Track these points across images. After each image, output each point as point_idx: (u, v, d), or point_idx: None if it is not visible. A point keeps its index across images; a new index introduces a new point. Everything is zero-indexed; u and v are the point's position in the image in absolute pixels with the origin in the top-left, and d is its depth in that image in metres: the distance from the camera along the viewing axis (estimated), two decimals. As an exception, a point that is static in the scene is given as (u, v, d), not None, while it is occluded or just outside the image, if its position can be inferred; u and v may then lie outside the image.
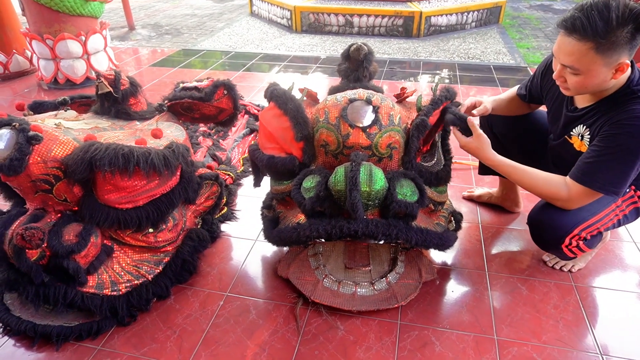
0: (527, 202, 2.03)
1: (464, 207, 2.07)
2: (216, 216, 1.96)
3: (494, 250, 1.81)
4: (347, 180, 1.31)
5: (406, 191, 1.38)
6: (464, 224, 1.88)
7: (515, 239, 1.87)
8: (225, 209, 2.03)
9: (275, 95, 1.57)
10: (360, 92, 1.49)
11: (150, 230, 1.55)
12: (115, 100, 1.68)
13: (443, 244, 1.49)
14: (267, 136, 1.63)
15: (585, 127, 1.38)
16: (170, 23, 6.08)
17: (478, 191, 2.12)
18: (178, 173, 1.52)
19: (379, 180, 1.34)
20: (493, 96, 1.75)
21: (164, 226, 1.58)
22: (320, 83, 3.77)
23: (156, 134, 1.50)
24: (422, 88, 3.61)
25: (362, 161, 1.35)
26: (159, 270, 1.59)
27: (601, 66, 1.20)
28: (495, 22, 5.52)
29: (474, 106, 1.61)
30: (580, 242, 1.43)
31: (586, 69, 1.21)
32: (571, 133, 1.45)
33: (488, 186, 2.19)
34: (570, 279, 1.64)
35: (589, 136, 1.37)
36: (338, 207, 1.38)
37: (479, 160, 2.00)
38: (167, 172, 1.43)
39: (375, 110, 1.43)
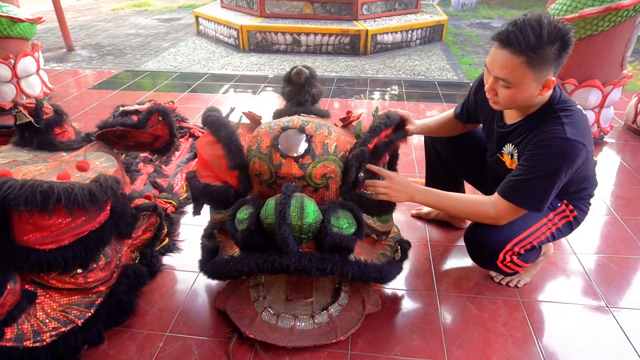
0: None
1: (412, 225, 2.07)
2: (156, 249, 1.85)
3: (443, 269, 1.80)
4: (276, 213, 1.26)
5: (342, 223, 1.34)
6: (413, 243, 1.87)
7: (463, 256, 1.88)
8: (167, 240, 1.92)
9: (209, 121, 1.50)
10: (295, 120, 1.45)
11: (79, 270, 1.42)
12: (37, 130, 1.55)
13: (383, 278, 1.45)
14: (203, 164, 1.55)
15: (513, 146, 1.43)
16: (112, 43, 5.87)
17: (426, 209, 2.12)
18: (108, 208, 1.42)
19: (311, 213, 1.29)
20: (429, 118, 1.78)
21: (94, 265, 1.45)
22: (269, 102, 3.72)
23: (82, 167, 1.39)
24: (373, 106, 3.64)
25: (294, 193, 1.30)
26: (90, 314, 1.46)
27: (531, 81, 1.24)
28: (438, 39, 5.71)
29: (404, 119, 1.61)
30: (515, 257, 1.46)
31: (518, 83, 1.24)
32: (502, 151, 1.49)
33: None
34: (517, 295, 1.66)
35: (517, 154, 1.42)
36: (271, 240, 1.33)
37: (425, 177, 2.04)
38: (94, 207, 1.33)
39: (309, 139, 1.39)
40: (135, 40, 6.02)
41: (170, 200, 2.11)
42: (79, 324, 1.41)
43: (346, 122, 1.71)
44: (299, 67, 1.67)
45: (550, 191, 1.31)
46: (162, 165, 2.50)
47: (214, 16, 5.66)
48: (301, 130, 1.41)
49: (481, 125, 1.66)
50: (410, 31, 5.35)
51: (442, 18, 5.68)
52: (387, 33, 5.17)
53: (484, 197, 1.44)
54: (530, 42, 1.16)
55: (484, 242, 1.45)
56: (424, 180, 2.10)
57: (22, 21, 3.17)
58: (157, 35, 6.30)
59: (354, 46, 5.07)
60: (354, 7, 5.14)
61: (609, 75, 2.66)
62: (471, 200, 1.45)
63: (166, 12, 8.16)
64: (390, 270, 1.49)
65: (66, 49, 5.38)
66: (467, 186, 2.00)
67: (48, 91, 3.62)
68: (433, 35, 5.62)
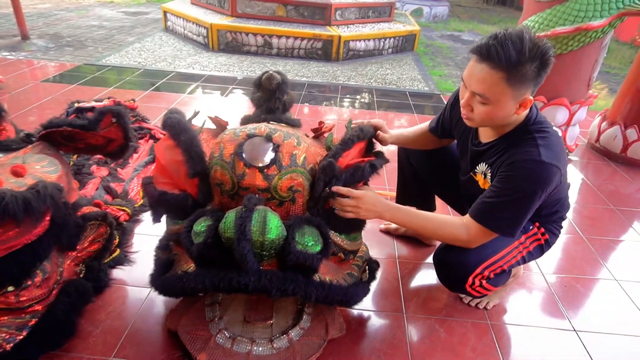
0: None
1: (380, 241, 1.99)
2: (105, 261, 1.69)
3: (412, 288, 1.73)
4: (236, 227, 1.16)
5: (307, 240, 1.25)
6: (379, 258, 1.79)
7: (433, 274, 1.80)
8: (118, 251, 1.77)
9: (168, 124, 1.37)
10: (262, 127, 1.35)
11: (10, 288, 1.27)
12: (-32, 127, 1.38)
13: (349, 301, 1.37)
14: (160, 170, 1.43)
15: (487, 165, 1.38)
16: (73, 34, 5.57)
17: (395, 224, 2.06)
18: (47, 218, 1.27)
19: (274, 228, 1.19)
20: (402, 129, 1.72)
21: (29, 282, 1.30)
22: (237, 106, 3.59)
23: (17, 171, 1.23)
24: (343, 113, 3.57)
25: (256, 206, 1.20)
26: (22, 337, 1.30)
27: (509, 98, 1.18)
28: (410, 49, 5.72)
29: (378, 128, 1.54)
30: (484, 282, 1.41)
31: (495, 100, 1.19)
32: (476, 170, 1.44)
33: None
34: (486, 317, 1.61)
35: (490, 175, 1.36)
36: (229, 255, 1.22)
37: (396, 190, 1.98)
38: (28, 219, 1.18)
39: (276, 148, 1.29)
40: (98, 33, 5.74)
41: (124, 208, 1.96)
42: (7, 348, 1.25)
43: (318, 133, 1.62)
44: (270, 72, 1.57)
45: (525, 216, 1.26)
46: (118, 168, 2.33)
47: (183, 12, 5.46)
48: (268, 138, 1.31)
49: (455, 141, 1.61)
50: (382, 39, 5.34)
51: (415, 28, 5.70)
52: (359, 40, 5.13)
53: (456, 218, 1.38)
54: (511, 57, 1.11)
55: (454, 265, 1.39)
56: (394, 194, 2.04)
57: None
58: (122, 29, 6.03)
59: (326, 51, 5.00)
60: (327, 12, 5.08)
61: (576, 94, 2.69)
62: (443, 221, 1.38)
63: (133, 5, 7.86)
64: (356, 292, 1.40)
65: (20, 37, 5.05)
66: (439, 201, 1.95)
67: (-3, 82, 3.35)
68: (405, 44, 5.64)
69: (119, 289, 1.63)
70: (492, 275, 1.39)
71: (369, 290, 1.52)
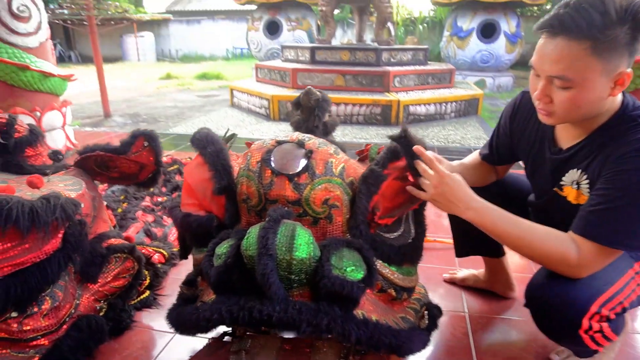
0: (522, 285, 1.64)
1: (445, 292, 1.67)
2: (132, 302, 1.54)
3: (486, 346, 1.38)
4: (259, 241, 0.96)
5: (346, 265, 1.01)
6: (447, 313, 1.47)
7: (512, 331, 1.45)
8: (147, 292, 1.61)
9: (196, 137, 1.27)
10: (294, 135, 1.20)
11: (14, 314, 1.13)
12: (4, 148, 1.36)
13: (401, 346, 1.05)
14: (187, 190, 1.30)
15: (579, 171, 1.07)
16: (149, 113, 6.04)
17: (462, 273, 1.73)
18: (59, 235, 1.15)
19: (304, 245, 0.98)
20: (453, 162, 1.45)
21: (35, 309, 1.16)
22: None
23: (33, 182, 1.16)
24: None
25: (284, 218, 1.00)
26: (21, 375, 1.13)
27: (599, 74, 0.92)
28: (474, 113, 5.53)
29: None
30: (604, 325, 1.01)
31: (581, 78, 0.93)
32: (562, 183, 1.13)
33: (474, 267, 1.81)
34: (590, 387, 1.20)
35: (587, 182, 1.05)
36: (251, 280, 1.01)
37: (453, 239, 1.64)
38: (36, 231, 1.06)
39: (309, 154, 1.11)
40: (171, 111, 6.19)
41: (160, 250, 1.83)
42: (1, 385, 1.08)
43: (363, 156, 1.44)
44: (310, 87, 1.45)
45: None
46: (164, 216, 2.27)
47: (247, 88, 5.78)
48: (300, 144, 1.14)
49: (514, 168, 1.32)
50: (444, 104, 5.22)
51: (478, 92, 5.55)
52: (419, 104, 5.05)
53: (562, 233, 1.02)
54: (594, 21, 0.88)
55: (563, 302, 1.00)
56: (450, 241, 1.72)
57: (53, 76, 3.22)
58: (193, 107, 6.47)
59: (385, 116, 4.95)
60: (386, 80, 5.11)
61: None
62: (546, 232, 1.03)
63: (207, 89, 8.54)
64: (411, 338, 1.10)
65: (103, 116, 5.56)
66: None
67: (71, 146, 3.58)
68: (468, 109, 5.46)
69: (141, 331, 1.45)
70: (612, 316, 1.01)
71: (428, 340, 1.21)
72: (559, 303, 1.00)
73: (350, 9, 13.58)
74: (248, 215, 1.18)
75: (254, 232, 1.02)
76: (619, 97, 1.02)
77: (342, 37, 13.24)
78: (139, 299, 1.57)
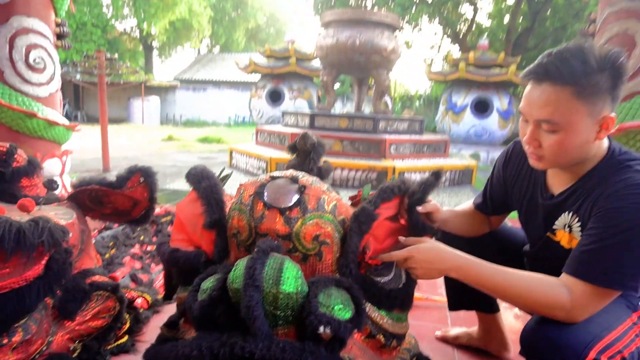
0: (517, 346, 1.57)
1: (436, 349, 1.60)
2: (109, 346, 1.46)
3: (480, 408, 1.30)
4: (245, 273, 0.94)
5: (334, 303, 0.98)
6: (437, 370, 1.40)
7: (508, 392, 1.38)
8: (126, 337, 1.54)
9: (191, 173, 1.29)
10: (288, 172, 1.21)
11: (-18, 344, 1.08)
12: (1, 176, 1.37)
13: None
14: (178, 226, 1.29)
15: (571, 213, 1.08)
16: (148, 169, 6.11)
17: (454, 331, 1.68)
18: (43, 262, 1.13)
19: (292, 279, 0.96)
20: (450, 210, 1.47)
21: (5, 340, 1.10)
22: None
23: (24, 205, 1.15)
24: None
25: (273, 251, 1.00)
26: (-20, 413, 1.05)
27: (584, 118, 0.97)
28: (468, 182, 5.62)
29: (430, 212, 1.31)
30: None
31: (567, 122, 0.97)
32: (554, 228, 1.13)
33: (467, 326, 1.75)
34: None
35: (579, 225, 1.06)
36: (235, 315, 0.97)
37: (446, 295, 1.59)
38: (19, 253, 1.04)
39: (302, 189, 1.12)
40: (170, 170, 6.26)
41: (144, 294, 1.77)
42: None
43: (356, 201, 1.46)
44: (306, 132, 1.49)
45: None
46: (152, 264, 2.22)
47: (247, 150, 5.90)
48: (294, 180, 1.16)
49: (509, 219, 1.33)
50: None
51: (472, 163, 5.68)
52: (415, 172, 5.13)
53: (553, 277, 1.01)
54: (575, 69, 0.94)
55: (556, 347, 0.95)
56: (444, 299, 1.67)
57: (58, 125, 3.30)
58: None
59: (380, 181, 4.99)
60: (382, 147, 5.24)
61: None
62: (535, 279, 1.02)
63: (208, 152, 8.70)
64: (400, 386, 1.05)
65: (102, 170, 5.61)
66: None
67: (66, 194, 3.58)
68: (462, 178, 5.55)
69: (114, 377, 1.36)
70: None
71: (417, 391, 1.14)
72: (554, 349, 0.95)
73: (350, 83, 14.29)
74: (237, 250, 1.17)
75: (241, 264, 1.00)
76: (605, 143, 1.06)
77: (342, 109, 13.77)
78: (116, 343, 1.50)
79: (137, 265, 2.15)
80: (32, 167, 1.44)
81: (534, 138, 1.04)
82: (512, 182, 1.30)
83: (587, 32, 2.92)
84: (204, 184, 1.24)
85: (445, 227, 1.38)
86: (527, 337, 1.03)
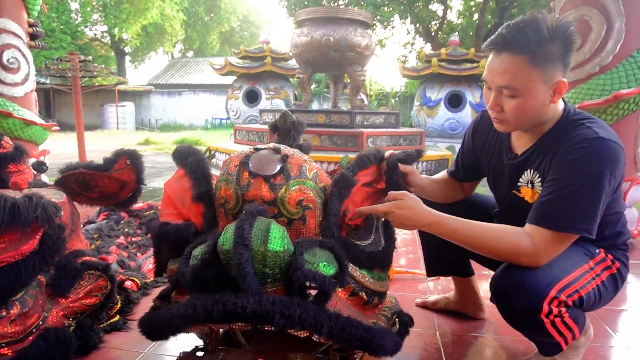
0: (493, 310, 1.68)
1: (416, 314, 1.69)
2: (101, 325, 1.51)
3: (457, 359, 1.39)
4: (235, 234, 1.01)
5: (319, 260, 1.06)
6: (416, 330, 1.49)
7: (482, 346, 1.48)
8: (117, 317, 1.58)
9: (178, 150, 1.35)
10: (271, 144, 1.29)
11: (-19, 316, 1.11)
12: (-12, 162, 1.40)
13: (372, 341, 1.06)
14: (167, 201, 1.35)
15: (532, 170, 1.19)
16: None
17: (433, 297, 1.77)
18: (37, 237, 1.17)
19: (278, 239, 1.03)
20: (427, 176, 1.58)
21: (3, 312, 1.14)
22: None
23: (17, 184, 1.20)
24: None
25: (259, 215, 1.07)
26: (-19, 383, 1.09)
27: (539, 82, 1.08)
28: (444, 173, 5.78)
29: (408, 173, 1.42)
30: (563, 310, 1.06)
31: (524, 87, 1.08)
32: (519, 184, 1.25)
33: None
34: (558, 390, 1.23)
35: (539, 180, 1.17)
36: (227, 277, 1.04)
37: (425, 263, 1.70)
38: (14, 228, 1.09)
39: (284, 159, 1.20)
40: (149, 171, 6.24)
41: (133, 277, 1.82)
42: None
43: (335, 174, 1.54)
44: (286, 110, 1.57)
45: (597, 205, 1.04)
46: (138, 253, 2.26)
47: (225, 148, 5.92)
48: (276, 150, 1.23)
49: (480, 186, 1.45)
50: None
51: (447, 153, 5.84)
52: (392, 163, 5.26)
53: (515, 227, 1.12)
54: (530, 38, 1.04)
55: (521, 287, 1.06)
56: (422, 272, 1.77)
57: (35, 124, 3.28)
58: (171, 168, 6.54)
59: (359, 174, 5.11)
60: (360, 140, 5.35)
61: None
62: (499, 229, 1.12)
63: (185, 154, 8.67)
64: (383, 334, 1.12)
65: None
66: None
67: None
68: (438, 168, 5.71)
69: (109, 351, 1.41)
70: (570, 302, 1.07)
71: (400, 344, 1.22)
72: (519, 289, 1.07)
73: (326, 83, 14.41)
74: (225, 219, 1.23)
75: (230, 227, 1.07)
76: (560, 106, 1.17)
77: (319, 108, 13.87)
78: (108, 322, 1.54)
79: (124, 254, 2.18)
80: (19, 153, 1.47)
81: (496, 103, 1.15)
82: (480, 148, 1.41)
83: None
84: (191, 159, 1.30)
85: (422, 194, 1.47)
86: (496, 282, 1.14)
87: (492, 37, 1.13)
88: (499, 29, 1.13)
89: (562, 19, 1.08)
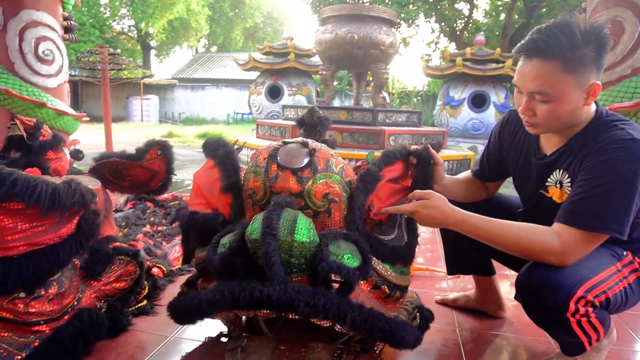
0: (513, 309, 1.68)
1: (436, 311, 1.70)
2: (130, 308, 1.56)
3: (476, 357, 1.40)
4: (263, 224, 1.04)
5: (343, 252, 1.09)
6: (436, 327, 1.51)
7: (502, 344, 1.48)
8: (145, 302, 1.64)
9: (208, 142, 1.39)
10: (299, 138, 1.32)
11: (22, 294, 1.18)
12: (28, 149, 1.47)
13: (394, 333, 1.09)
14: (196, 191, 1.39)
15: (562, 170, 1.19)
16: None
17: (453, 294, 1.78)
18: (75, 221, 1.23)
19: (305, 230, 1.06)
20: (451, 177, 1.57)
21: (42, 292, 1.20)
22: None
23: (57, 170, 1.25)
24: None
25: (287, 206, 1.10)
26: (20, 358, 1.15)
27: (573, 87, 1.07)
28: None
29: (437, 164, 1.39)
30: (590, 310, 1.06)
31: (557, 92, 1.07)
32: (547, 184, 1.24)
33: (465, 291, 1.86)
34: (579, 391, 1.22)
35: (569, 180, 1.17)
36: (254, 265, 1.08)
37: (446, 263, 1.70)
38: (54, 212, 1.14)
39: (312, 152, 1.23)
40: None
41: (159, 265, 1.88)
42: (1, 366, 1.10)
43: (360, 169, 1.56)
44: (313, 105, 1.60)
45: (630, 207, 1.03)
46: (164, 242, 2.32)
47: (248, 142, 5.99)
48: (304, 144, 1.26)
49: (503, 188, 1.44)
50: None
51: (469, 153, 5.79)
52: (413, 162, 5.24)
53: (544, 226, 1.12)
54: (563, 43, 1.04)
55: (550, 286, 1.05)
56: (442, 270, 1.77)
57: (67, 114, 3.40)
58: (194, 161, 6.67)
59: (380, 172, 5.11)
60: (381, 138, 5.34)
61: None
62: (527, 227, 1.12)
63: (207, 148, 8.80)
64: (404, 326, 1.15)
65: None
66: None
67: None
68: (460, 169, 5.66)
69: (137, 334, 1.47)
70: (597, 302, 1.07)
71: (420, 338, 1.24)
72: (546, 287, 1.07)
73: (348, 81, 14.40)
74: (252, 210, 1.27)
75: (258, 217, 1.10)
76: (592, 107, 1.17)
77: (341, 105, 13.87)
78: (136, 306, 1.60)
79: (150, 242, 2.25)
80: (57, 141, 1.54)
81: (528, 108, 1.15)
82: (508, 148, 1.41)
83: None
84: (220, 151, 1.34)
85: (444, 193, 1.47)
86: (522, 279, 1.14)
87: (523, 41, 1.12)
88: (530, 33, 1.12)
89: (596, 21, 1.07)
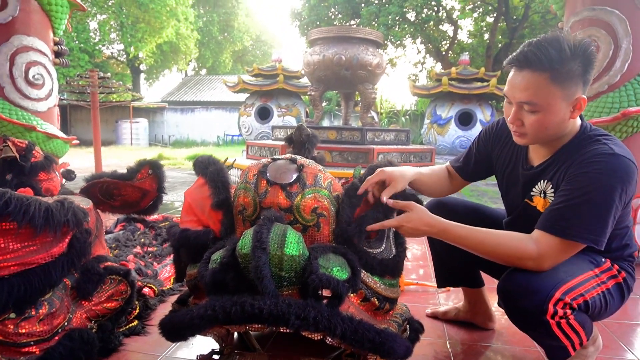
0: (503, 321, 1.71)
1: (427, 324, 1.72)
2: (121, 329, 1.56)
3: (468, 368, 1.42)
4: (253, 239, 1.07)
5: (332, 265, 1.12)
6: (427, 339, 1.52)
7: (493, 356, 1.50)
8: (136, 322, 1.63)
9: (198, 160, 1.42)
10: (287, 155, 1.36)
11: (12, 315, 1.17)
12: (20, 170, 1.48)
13: (383, 344, 1.10)
14: (187, 209, 1.41)
15: (546, 181, 1.24)
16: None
17: (443, 307, 1.80)
18: (66, 240, 1.24)
19: (294, 243, 1.09)
20: (418, 169, 1.55)
21: (33, 312, 1.20)
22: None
23: (49, 190, 1.27)
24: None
25: (276, 221, 1.13)
26: (9, 379, 1.15)
27: (560, 99, 1.12)
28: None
29: (382, 183, 1.35)
30: (569, 312, 1.10)
31: (545, 104, 1.13)
32: (532, 194, 1.29)
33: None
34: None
35: (552, 190, 1.21)
36: (244, 280, 1.10)
37: (434, 266, 1.72)
38: (47, 231, 1.16)
39: (300, 168, 1.27)
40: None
41: (151, 285, 1.87)
42: (-10, 385, 1.10)
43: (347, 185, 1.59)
44: (301, 123, 1.64)
45: (606, 219, 1.08)
46: (155, 263, 2.32)
47: (237, 163, 6.02)
48: (293, 160, 1.30)
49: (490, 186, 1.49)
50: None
51: (457, 171, 5.88)
52: (402, 180, 5.30)
53: (522, 234, 1.17)
54: (552, 57, 1.09)
55: (528, 289, 1.10)
56: (432, 284, 1.79)
57: (57, 138, 3.40)
58: (184, 183, 6.66)
59: (370, 190, 5.16)
60: (370, 156, 5.41)
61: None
62: (505, 235, 1.18)
63: (198, 169, 8.80)
64: (394, 338, 1.16)
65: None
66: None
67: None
68: (448, 186, 5.73)
69: (128, 354, 1.46)
70: (574, 305, 1.10)
71: (410, 349, 1.25)
72: (525, 290, 1.11)
73: (336, 101, 14.60)
74: (243, 226, 1.29)
75: (249, 232, 1.13)
76: (578, 122, 1.23)
77: (330, 125, 14.01)
78: (127, 326, 1.59)
79: (141, 262, 2.24)
80: (49, 162, 1.55)
81: (517, 118, 1.20)
82: (497, 153, 1.44)
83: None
84: (211, 169, 1.37)
85: (418, 187, 1.51)
86: (502, 283, 1.18)
87: (514, 54, 1.18)
88: (522, 46, 1.17)
89: (583, 38, 1.13)
